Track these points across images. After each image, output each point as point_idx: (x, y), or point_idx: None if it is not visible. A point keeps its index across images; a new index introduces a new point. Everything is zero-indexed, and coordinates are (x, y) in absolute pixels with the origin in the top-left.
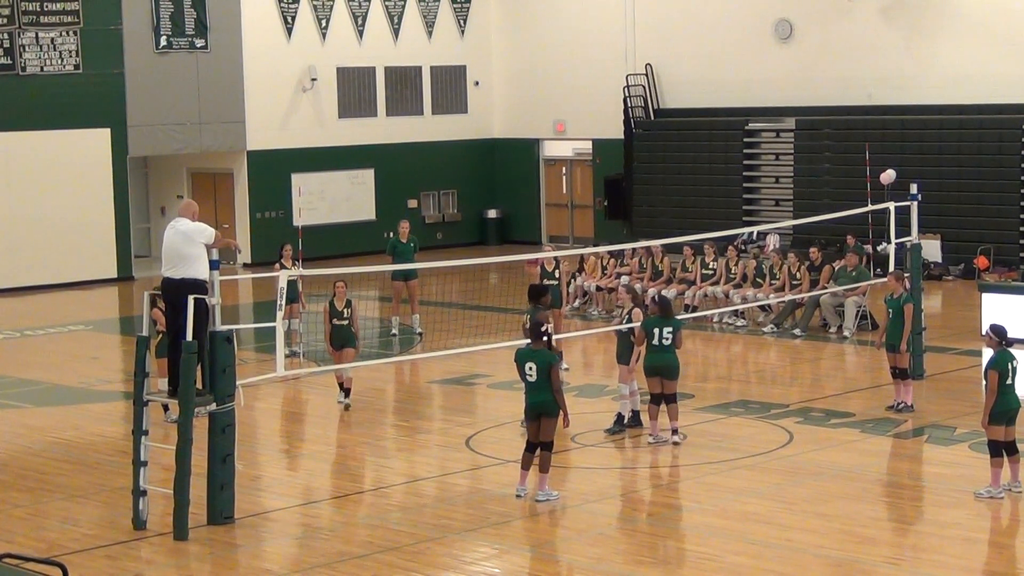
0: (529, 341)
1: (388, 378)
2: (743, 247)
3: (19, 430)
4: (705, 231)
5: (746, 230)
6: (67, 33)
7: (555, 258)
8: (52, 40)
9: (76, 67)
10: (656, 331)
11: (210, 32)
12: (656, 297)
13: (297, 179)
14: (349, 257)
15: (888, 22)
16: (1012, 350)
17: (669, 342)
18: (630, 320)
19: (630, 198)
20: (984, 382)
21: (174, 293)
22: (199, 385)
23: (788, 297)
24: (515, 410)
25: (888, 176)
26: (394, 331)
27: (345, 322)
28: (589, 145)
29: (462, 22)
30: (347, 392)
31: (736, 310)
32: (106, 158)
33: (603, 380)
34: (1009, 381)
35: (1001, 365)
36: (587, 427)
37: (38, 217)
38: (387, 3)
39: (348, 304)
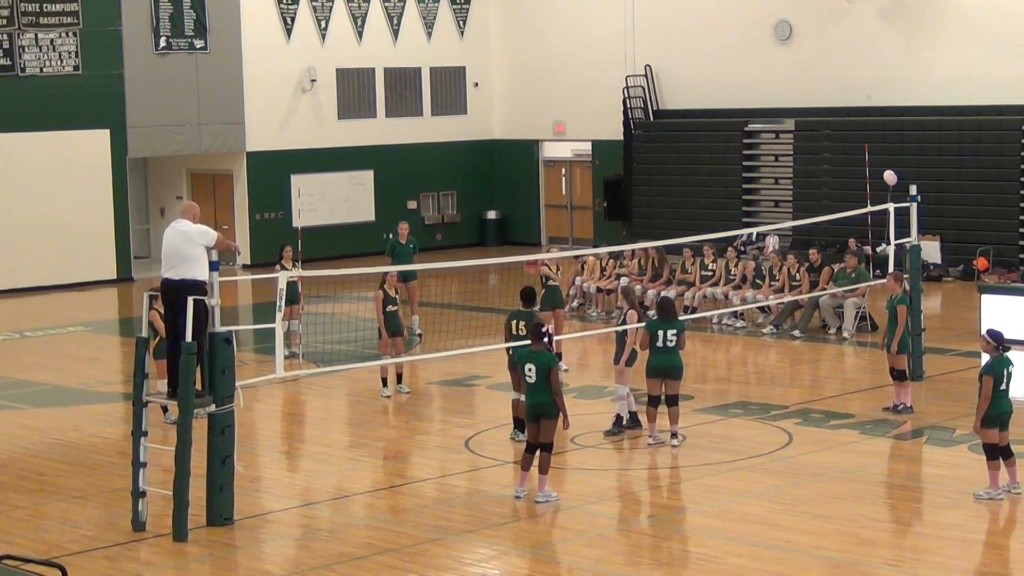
0: (529, 342)
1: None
2: (742, 248)
3: (18, 431)
4: (704, 232)
5: (745, 231)
6: (66, 34)
7: (555, 259)
8: (52, 41)
9: (75, 68)
10: (660, 333)
11: (209, 33)
12: (657, 299)
13: (296, 180)
14: (348, 258)
15: (887, 23)
16: (1010, 354)
17: (673, 344)
18: (625, 322)
19: (629, 199)
20: (978, 386)
21: (173, 294)
22: (198, 386)
23: (787, 298)
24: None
25: (892, 176)
26: None
27: (396, 308)
28: (588, 146)
29: (461, 23)
30: (400, 377)
31: (735, 311)
32: (105, 159)
33: (602, 381)
34: (1003, 386)
35: (996, 371)
36: (586, 428)
37: (38, 218)
38: (386, 4)
39: (398, 292)
